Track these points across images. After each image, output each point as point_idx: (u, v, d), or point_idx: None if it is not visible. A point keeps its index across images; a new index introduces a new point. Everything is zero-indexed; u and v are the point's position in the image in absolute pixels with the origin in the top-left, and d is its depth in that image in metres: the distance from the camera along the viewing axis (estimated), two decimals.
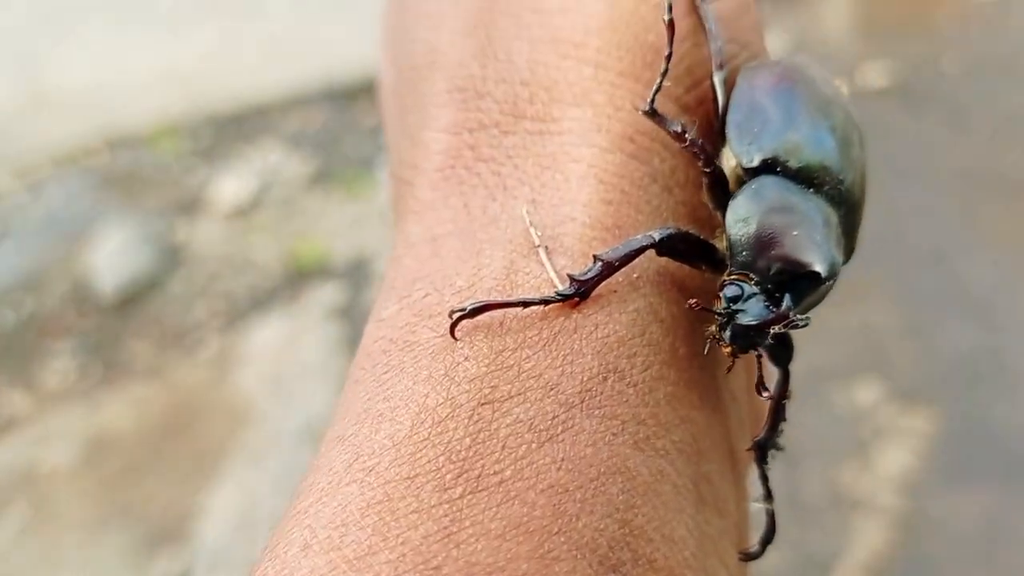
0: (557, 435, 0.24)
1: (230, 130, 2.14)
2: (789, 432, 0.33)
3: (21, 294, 1.83)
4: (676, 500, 0.26)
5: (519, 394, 0.25)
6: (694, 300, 0.27)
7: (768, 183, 0.29)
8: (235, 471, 1.53)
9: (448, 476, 0.24)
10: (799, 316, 0.26)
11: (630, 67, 0.30)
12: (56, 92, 2.25)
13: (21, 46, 2.36)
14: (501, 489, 0.24)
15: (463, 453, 0.24)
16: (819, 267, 0.27)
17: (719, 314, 0.27)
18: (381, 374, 0.26)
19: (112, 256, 1.85)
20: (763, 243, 0.28)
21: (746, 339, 0.27)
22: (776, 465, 0.32)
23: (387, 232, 1.89)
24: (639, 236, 0.27)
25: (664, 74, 0.29)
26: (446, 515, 0.23)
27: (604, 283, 0.27)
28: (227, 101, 2.19)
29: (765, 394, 0.27)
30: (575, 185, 0.28)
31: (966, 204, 1.77)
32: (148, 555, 1.44)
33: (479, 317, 0.26)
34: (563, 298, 0.26)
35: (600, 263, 0.27)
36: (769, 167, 0.29)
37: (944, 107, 1.97)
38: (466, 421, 0.24)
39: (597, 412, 0.25)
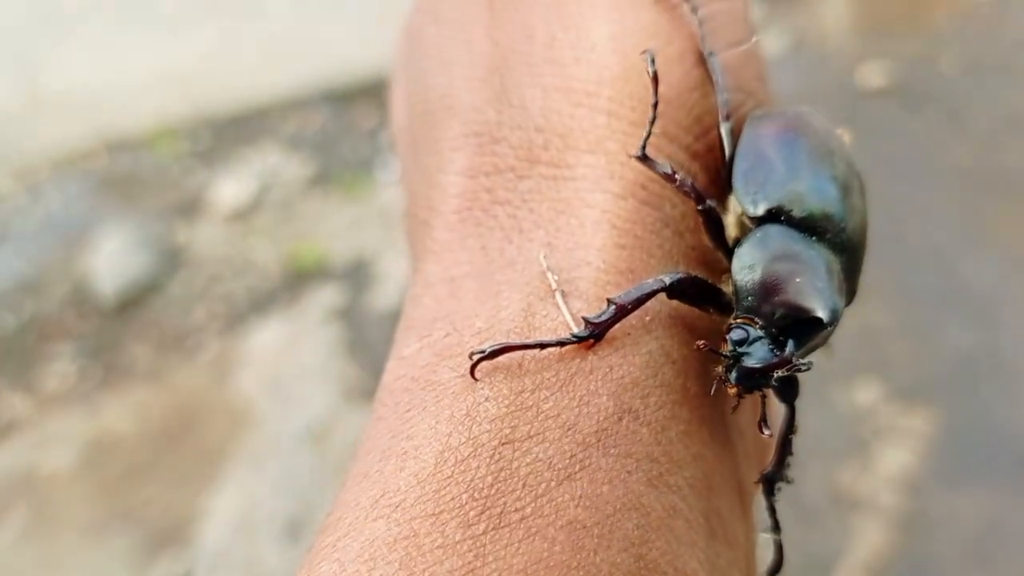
0: (575, 473, 0.25)
1: (229, 132, 2.14)
2: None
3: (21, 297, 1.83)
4: (688, 534, 0.27)
5: (538, 434, 0.26)
6: (702, 341, 0.28)
7: (773, 232, 0.30)
8: (235, 474, 1.53)
9: (472, 513, 0.24)
10: (802, 361, 0.28)
11: (642, 116, 0.31)
12: (55, 94, 2.25)
13: (20, 48, 2.36)
14: (523, 526, 0.24)
15: (486, 491, 0.25)
16: (821, 313, 0.28)
17: (725, 356, 0.28)
18: (404, 412, 0.27)
19: (111, 259, 1.85)
20: (768, 289, 0.29)
21: (751, 380, 0.28)
22: None
23: (386, 234, 1.89)
24: (651, 280, 0.28)
25: (652, 122, 0.30)
26: (470, 551, 0.24)
27: (618, 326, 0.28)
28: (226, 103, 2.19)
29: (766, 432, 0.28)
30: (590, 230, 0.29)
31: (965, 204, 1.78)
32: (148, 558, 1.44)
33: (498, 358, 0.27)
34: (578, 340, 0.27)
35: (613, 306, 0.28)
36: (774, 216, 0.31)
37: (942, 107, 1.98)
38: (488, 460, 0.25)
39: (613, 451, 0.26)
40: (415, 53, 0.37)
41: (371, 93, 2.18)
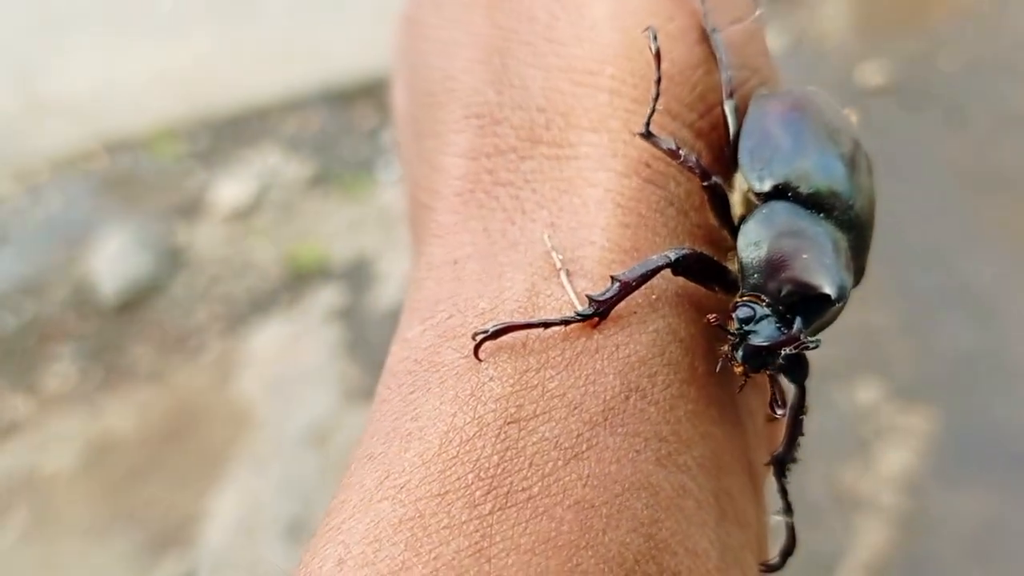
0: (582, 452, 0.25)
1: (229, 133, 2.14)
2: None
3: (21, 298, 1.83)
4: (699, 514, 0.27)
5: (544, 413, 0.26)
6: (712, 315, 0.28)
7: (779, 208, 0.30)
8: (237, 474, 1.53)
9: (478, 493, 0.24)
10: (809, 338, 0.27)
11: (645, 94, 0.31)
12: (55, 96, 2.25)
13: (20, 49, 2.36)
14: (530, 505, 0.24)
15: (491, 471, 0.25)
16: (829, 289, 0.28)
17: (731, 334, 0.28)
18: (408, 394, 0.27)
19: (112, 260, 1.85)
20: (774, 266, 0.28)
21: (757, 359, 0.27)
22: None
23: (386, 234, 1.89)
24: (655, 256, 0.28)
25: (656, 99, 0.30)
26: (477, 531, 0.24)
27: (624, 305, 0.28)
28: (226, 104, 2.19)
29: (779, 412, 0.28)
30: (593, 209, 0.29)
31: (964, 202, 1.78)
32: (150, 559, 1.44)
33: (502, 338, 0.27)
34: (583, 318, 0.27)
35: (618, 283, 0.27)
36: (780, 192, 0.30)
37: (942, 105, 1.98)
38: (493, 439, 0.25)
39: (620, 430, 0.26)
40: (415, 38, 0.37)
41: (370, 93, 2.18)
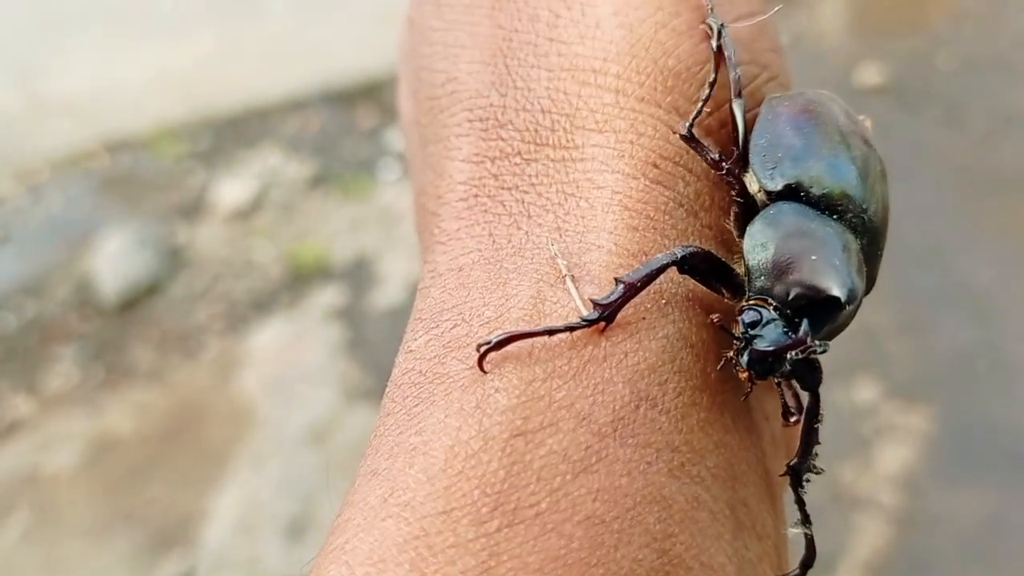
0: (592, 465, 0.24)
1: (229, 133, 2.14)
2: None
3: (23, 298, 1.84)
4: (714, 527, 0.26)
5: (551, 424, 0.25)
6: (715, 315, 0.27)
7: (786, 208, 0.29)
8: (237, 474, 1.53)
9: (484, 509, 0.23)
10: (817, 342, 0.26)
11: (651, 92, 0.30)
12: (56, 96, 2.25)
13: (21, 50, 2.36)
14: (538, 522, 0.23)
15: (498, 486, 0.24)
16: (838, 292, 0.27)
17: (737, 339, 0.27)
18: (412, 407, 0.26)
19: (113, 260, 1.85)
20: (780, 268, 0.28)
21: (763, 365, 0.27)
22: None
23: (387, 234, 1.90)
24: (661, 255, 0.27)
25: (706, 100, 0.30)
26: (484, 549, 0.23)
27: (633, 311, 0.27)
28: (227, 104, 2.19)
29: (792, 419, 0.27)
30: (600, 212, 0.29)
31: (963, 201, 1.78)
32: (151, 558, 1.44)
33: (508, 348, 0.26)
34: (588, 323, 0.26)
35: (622, 285, 0.27)
36: (792, 192, 0.30)
37: (940, 105, 1.98)
38: (499, 453, 0.24)
39: (631, 441, 0.25)
40: (419, 42, 0.36)
41: (371, 94, 2.18)
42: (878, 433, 1.47)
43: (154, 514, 1.50)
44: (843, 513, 1.39)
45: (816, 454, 0.29)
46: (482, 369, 0.26)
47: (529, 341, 0.26)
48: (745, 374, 0.27)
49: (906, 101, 2.00)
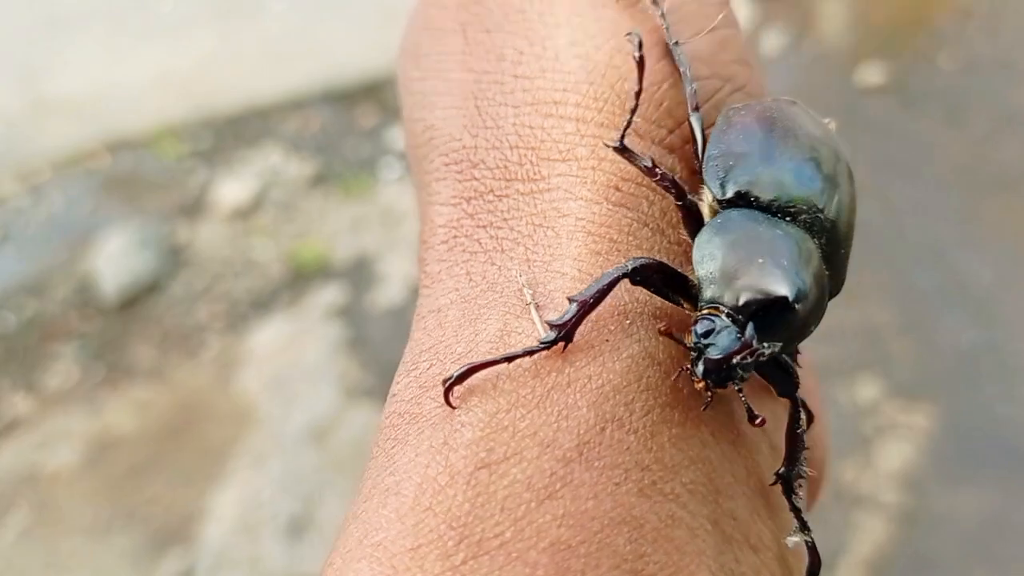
0: (556, 492, 0.25)
1: (230, 133, 2.14)
2: None
3: (24, 297, 1.84)
4: (693, 543, 0.26)
5: (515, 454, 0.25)
6: (662, 324, 0.27)
7: (734, 215, 0.29)
8: (237, 472, 1.53)
9: (450, 543, 0.24)
10: (764, 344, 0.26)
11: (609, 117, 0.31)
12: (57, 96, 2.26)
13: (23, 50, 2.37)
14: (503, 551, 0.24)
15: (463, 519, 0.24)
16: (785, 291, 0.27)
17: (691, 349, 0.27)
18: (389, 449, 0.27)
19: (114, 259, 1.85)
20: (727, 275, 0.27)
21: (718, 373, 0.26)
22: None
23: (387, 233, 1.90)
24: (612, 269, 0.27)
25: (634, 111, 0.30)
26: None
27: (596, 333, 0.27)
28: (227, 104, 2.20)
29: (757, 422, 0.27)
30: (565, 240, 0.29)
31: (964, 201, 1.78)
32: (151, 557, 1.44)
33: (473, 381, 0.26)
34: (547, 345, 0.27)
35: (575, 304, 0.27)
36: (742, 199, 0.30)
37: (941, 104, 1.98)
38: (464, 487, 0.25)
39: (597, 464, 0.25)
40: (403, 93, 0.37)
41: (372, 93, 2.18)
42: (880, 432, 1.47)
43: (154, 513, 1.50)
44: (845, 511, 1.38)
45: (805, 460, 0.29)
46: (450, 405, 0.26)
47: (495, 373, 0.27)
48: (701, 384, 0.27)
49: (908, 101, 2.00)
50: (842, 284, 0.31)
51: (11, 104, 2.23)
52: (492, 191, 0.31)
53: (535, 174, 0.30)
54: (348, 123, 2.15)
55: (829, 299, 0.30)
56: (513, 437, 0.25)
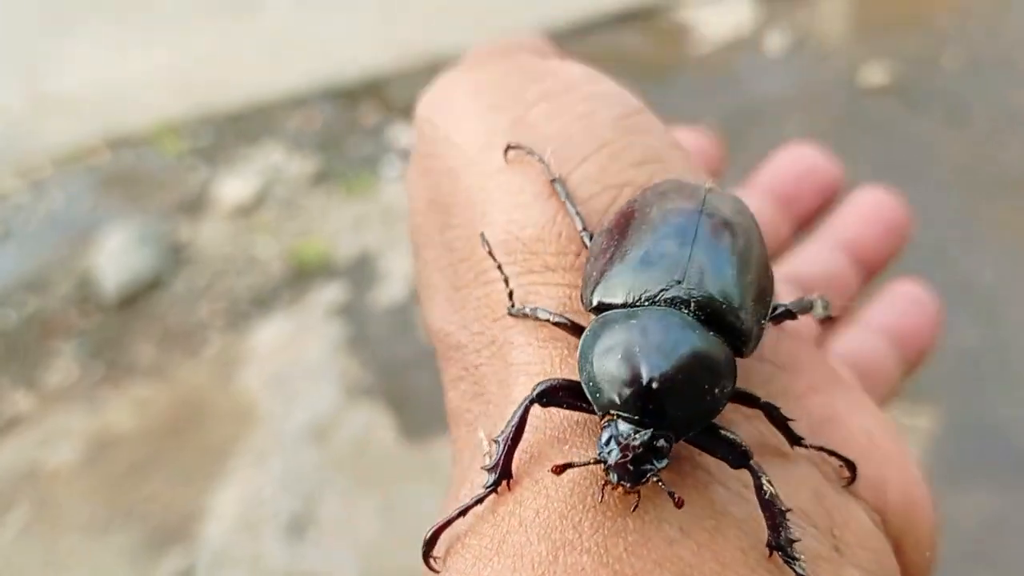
0: None
1: (232, 130, 2.14)
2: None
3: (24, 294, 1.83)
4: None
5: None
6: (553, 465, 0.28)
7: (594, 326, 0.30)
8: (238, 470, 1.53)
9: None
10: (659, 433, 0.27)
11: (524, 265, 0.35)
12: (59, 92, 2.25)
13: (24, 47, 2.37)
14: None
15: None
16: (648, 375, 0.28)
17: (599, 462, 0.28)
18: None
19: (114, 256, 1.85)
20: (598, 381, 0.29)
21: (629, 475, 0.27)
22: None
23: (389, 231, 1.89)
24: (521, 400, 0.29)
25: (506, 280, 0.34)
26: None
27: (538, 466, 0.29)
28: (229, 101, 2.20)
29: (675, 501, 0.27)
30: (513, 387, 0.31)
31: (966, 201, 1.78)
32: (151, 555, 1.44)
33: (449, 537, 0.28)
34: (491, 489, 0.29)
35: (498, 443, 0.29)
36: (605, 307, 0.31)
37: (944, 104, 1.98)
38: None
39: None
40: (416, 285, 0.42)
41: (374, 91, 2.18)
42: None
43: (154, 511, 1.50)
44: None
45: (788, 522, 0.29)
46: (431, 568, 0.29)
47: (465, 527, 0.29)
48: (620, 489, 0.27)
49: (910, 101, 2.00)
50: (749, 335, 0.31)
51: (12, 100, 2.23)
52: (472, 365, 0.34)
53: (494, 337, 0.34)
54: (350, 121, 2.15)
55: (746, 353, 0.31)
56: None
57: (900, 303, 0.57)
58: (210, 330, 1.74)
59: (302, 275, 1.83)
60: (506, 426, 0.29)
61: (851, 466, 0.33)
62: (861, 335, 0.53)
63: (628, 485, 0.27)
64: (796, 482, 0.32)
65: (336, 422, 1.57)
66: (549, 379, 0.30)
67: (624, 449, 0.27)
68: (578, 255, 0.34)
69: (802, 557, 0.29)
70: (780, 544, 0.29)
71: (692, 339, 0.29)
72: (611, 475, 0.27)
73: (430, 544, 0.29)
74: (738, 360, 0.31)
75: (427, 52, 2.17)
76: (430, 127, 0.40)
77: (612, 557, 0.27)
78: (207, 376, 1.67)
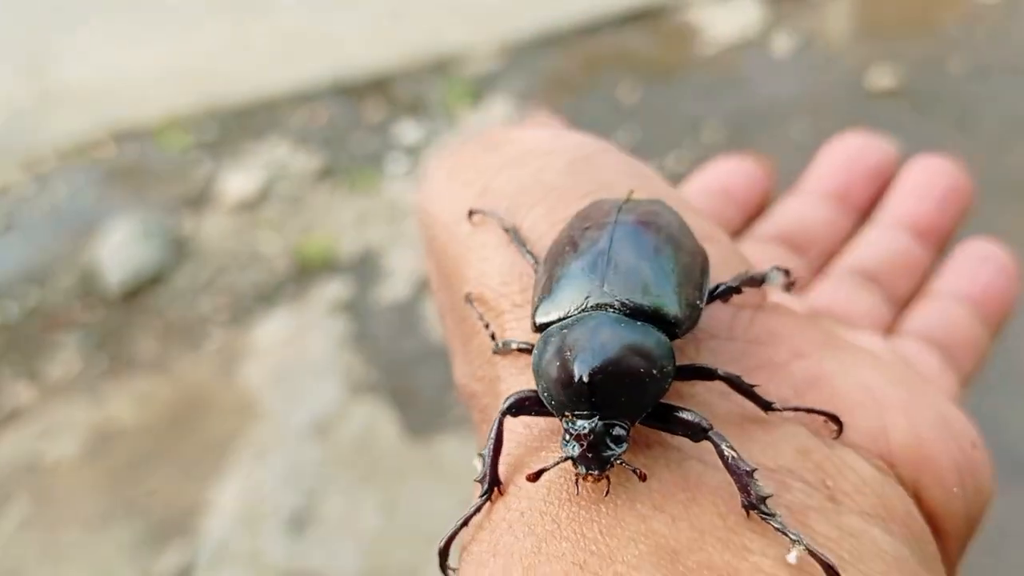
0: None
1: (237, 125, 2.14)
2: None
3: (27, 286, 1.83)
4: None
5: None
6: (529, 473, 0.31)
7: (540, 341, 0.34)
8: (240, 465, 1.53)
9: None
10: (611, 422, 0.30)
11: (494, 310, 0.38)
12: (64, 86, 2.26)
13: (29, 41, 2.37)
14: None
15: None
16: (587, 375, 0.31)
17: (568, 458, 0.31)
18: None
19: (118, 249, 1.85)
20: (548, 386, 0.32)
21: (592, 464, 0.30)
22: None
23: (393, 228, 1.89)
24: (496, 413, 0.33)
25: (487, 326, 0.38)
26: None
27: (518, 472, 0.32)
28: (235, 96, 2.20)
29: (639, 475, 0.30)
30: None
31: (975, 206, 1.77)
32: (152, 549, 1.44)
33: (453, 552, 0.31)
34: (484, 498, 0.32)
35: (481, 456, 0.33)
36: (546, 324, 0.34)
37: (951, 108, 1.97)
38: None
39: None
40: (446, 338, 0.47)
41: (380, 87, 2.18)
42: None
43: (155, 504, 1.49)
44: None
45: (757, 481, 0.30)
46: (445, 574, 0.33)
47: (468, 539, 0.32)
48: (588, 478, 0.30)
49: (918, 105, 2.00)
50: (684, 316, 0.34)
51: (17, 93, 2.23)
52: (483, 407, 0.38)
53: (490, 378, 0.38)
54: (355, 117, 2.15)
55: (680, 333, 0.34)
56: None
57: (971, 264, 0.58)
58: (213, 325, 1.74)
59: (305, 271, 1.82)
60: (487, 440, 0.32)
61: (835, 419, 0.35)
62: (939, 306, 0.54)
63: (596, 472, 0.30)
64: (779, 443, 0.34)
65: (339, 418, 1.57)
66: (516, 392, 0.33)
67: (579, 440, 0.30)
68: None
69: (778, 512, 0.30)
70: (752, 503, 0.30)
71: (619, 332, 0.32)
72: (579, 467, 0.30)
73: (444, 555, 0.32)
74: (714, 343, 0.36)
75: (432, 51, 2.18)
76: (424, 213, 0.45)
77: (588, 540, 0.29)
78: (209, 370, 1.67)
